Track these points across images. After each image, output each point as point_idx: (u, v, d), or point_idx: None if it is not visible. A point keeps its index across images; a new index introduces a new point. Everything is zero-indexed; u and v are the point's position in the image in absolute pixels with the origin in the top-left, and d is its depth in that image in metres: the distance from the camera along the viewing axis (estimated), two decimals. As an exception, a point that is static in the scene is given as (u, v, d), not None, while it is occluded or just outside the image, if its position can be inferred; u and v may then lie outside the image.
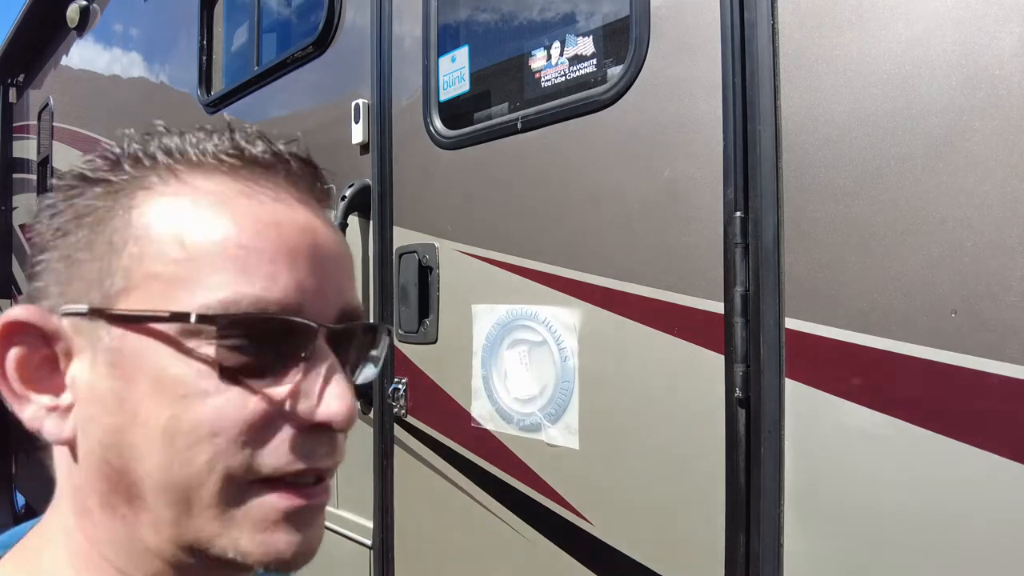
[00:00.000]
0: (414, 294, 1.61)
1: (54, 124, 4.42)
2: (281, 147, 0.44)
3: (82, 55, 3.99)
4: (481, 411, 1.46)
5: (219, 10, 2.57)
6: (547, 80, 1.37)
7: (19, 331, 0.41)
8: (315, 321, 0.42)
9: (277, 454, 0.41)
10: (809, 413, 0.97)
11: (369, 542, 1.79)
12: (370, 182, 1.75)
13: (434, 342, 1.59)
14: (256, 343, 0.40)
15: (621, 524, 1.21)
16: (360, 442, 1.84)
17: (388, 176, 1.71)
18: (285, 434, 0.41)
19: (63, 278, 0.42)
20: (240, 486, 0.40)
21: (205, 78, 2.58)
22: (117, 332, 0.40)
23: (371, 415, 1.79)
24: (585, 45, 1.30)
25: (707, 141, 1.08)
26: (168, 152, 0.42)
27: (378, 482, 1.73)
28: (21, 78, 5.16)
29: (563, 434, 1.31)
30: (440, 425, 1.59)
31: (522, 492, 1.39)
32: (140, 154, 0.42)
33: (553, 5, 1.40)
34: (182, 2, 2.73)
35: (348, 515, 1.90)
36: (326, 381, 0.42)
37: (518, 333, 1.38)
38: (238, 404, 0.40)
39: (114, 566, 0.42)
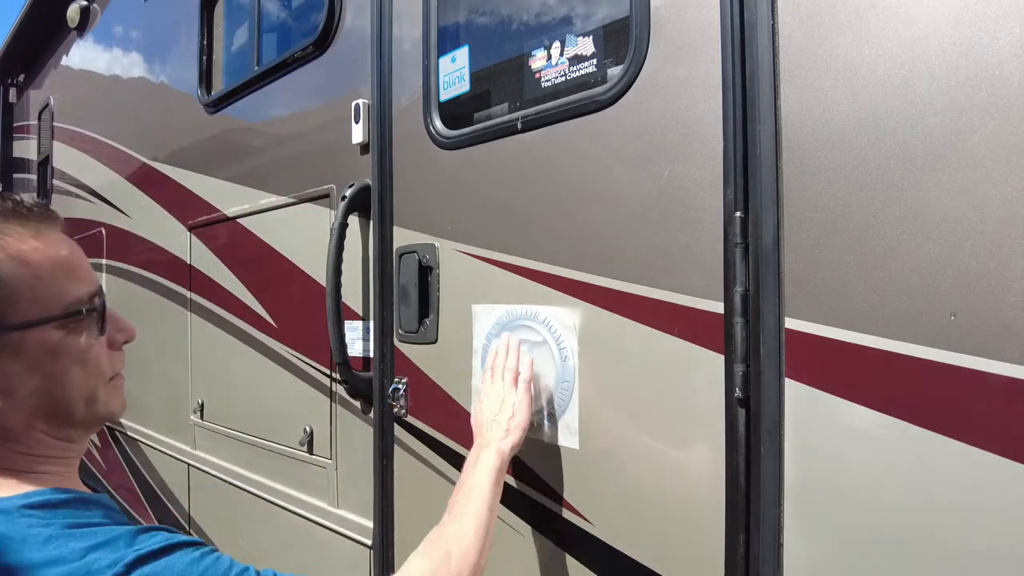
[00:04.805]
0: (414, 294, 1.61)
1: (54, 124, 4.42)
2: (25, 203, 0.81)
3: (82, 55, 3.99)
4: (481, 411, 1.45)
5: (219, 10, 2.57)
6: (547, 80, 1.37)
7: None
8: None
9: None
10: (809, 413, 0.97)
11: (369, 542, 1.79)
12: (370, 182, 1.75)
13: (434, 342, 1.60)
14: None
15: (621, 524, 1.21)
16: (360, 442, 1.84)
17: (388, 176, 1.71)
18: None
19: None
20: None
21: (205, 78, 2.59)
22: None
23: (371, 415, 1.79)
24: (585, 45, 1.30)
25: (707, 141, 1.08)
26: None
27: (378, 482, 1.73)
28: (21, 78, 5.16)
29: (563, 434, 1.31)
30: (440, 425, 1.59)
31: (522, 492, 1.39)
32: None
33: (553, 5, 1.40)
34: (182, 2, 2.73)
35: (348, 515, 1.90)
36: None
37: (518, 333, 1.38)
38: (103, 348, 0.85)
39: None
